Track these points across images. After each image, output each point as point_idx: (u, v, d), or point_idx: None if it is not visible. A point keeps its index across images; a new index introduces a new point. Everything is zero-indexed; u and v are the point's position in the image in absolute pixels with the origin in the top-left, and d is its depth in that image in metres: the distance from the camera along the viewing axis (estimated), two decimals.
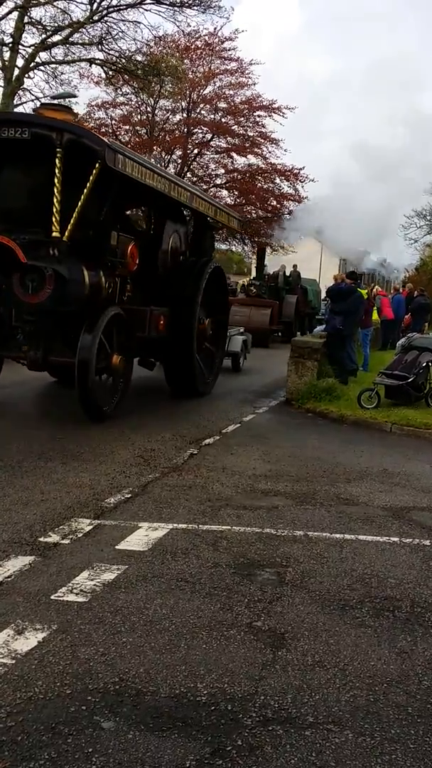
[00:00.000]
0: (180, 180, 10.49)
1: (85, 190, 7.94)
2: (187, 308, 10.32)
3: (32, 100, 21.92)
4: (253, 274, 30.00)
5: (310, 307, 30.22)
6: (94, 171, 7.90)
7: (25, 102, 21.75)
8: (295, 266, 28.52)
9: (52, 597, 3.84)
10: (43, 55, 21.46)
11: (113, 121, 27.88)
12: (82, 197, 7.93)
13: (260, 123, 28.67)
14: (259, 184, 29.62)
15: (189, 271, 10.89)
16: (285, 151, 30.21)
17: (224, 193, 30.58)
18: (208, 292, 11.02)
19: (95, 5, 21.09)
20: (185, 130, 28.42)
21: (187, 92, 27.50)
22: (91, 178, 7.92)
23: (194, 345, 10.38)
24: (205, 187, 30.16)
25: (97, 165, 7.87)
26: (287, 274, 27.04)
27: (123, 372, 9.01)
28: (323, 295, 33.57)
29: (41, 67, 21.76)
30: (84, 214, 8.04)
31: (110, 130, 27.54)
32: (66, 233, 7.95)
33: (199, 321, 10.71)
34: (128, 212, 12.19)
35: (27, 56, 20.81)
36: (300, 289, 27.40)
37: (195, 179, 30.15)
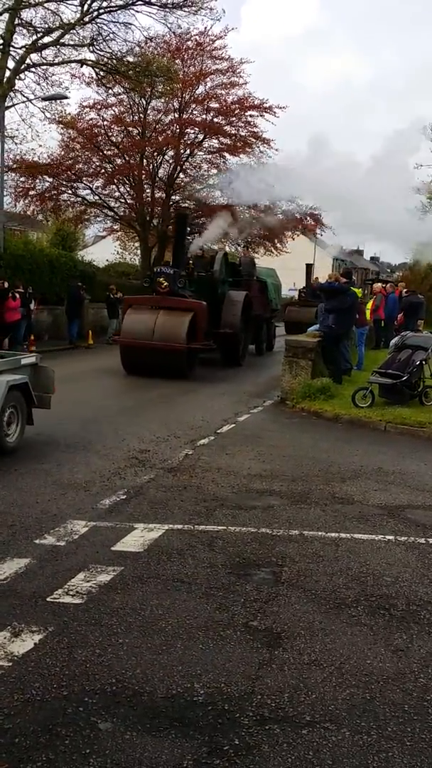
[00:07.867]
0: None
1: None
2: None
3: (23, 102, 21.93)
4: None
5: (271, 309, 20.97)
6: None
7: (17, 104, 21.76)
8: (245, 248, 21.96)
9: (48, 599, 3.84)
10: (34, 57, 21.44)
11: (105, 122, 27.83)
12: None
13: (252, 123, 28.68)
14: None
15: None
16: (276, 150, 29.92)
17: (217, 193, 30.60)
18: None
19: (86, 6, 21.09)
20: (177, 130, 28.39)
21: (179, 92, 27.47)
22: None
23: None
24: (198, 187, 30.16)
25: None
26: (238, 261, 19.17)
27: None
28: (292, 292, 30.51)
29: (32, 69, 21.72)
30: None
31: (102, 131, 27.52)
32: None
33: None
34: None
35: (18, 58, 20.79)
36: (257, 283, 19.08)
37: (188, 179, 30.14)
